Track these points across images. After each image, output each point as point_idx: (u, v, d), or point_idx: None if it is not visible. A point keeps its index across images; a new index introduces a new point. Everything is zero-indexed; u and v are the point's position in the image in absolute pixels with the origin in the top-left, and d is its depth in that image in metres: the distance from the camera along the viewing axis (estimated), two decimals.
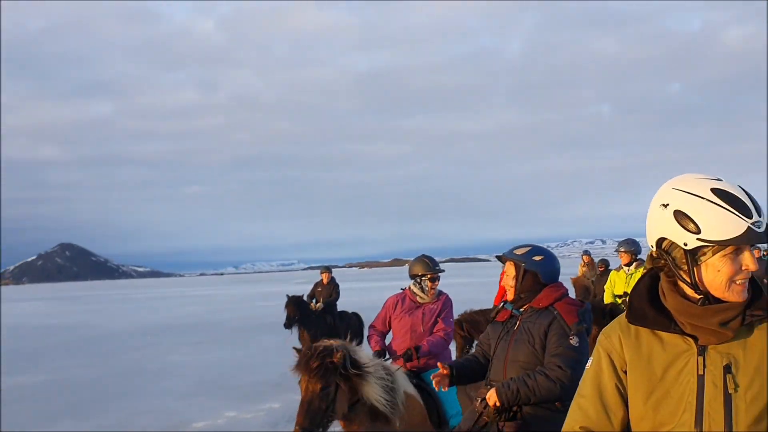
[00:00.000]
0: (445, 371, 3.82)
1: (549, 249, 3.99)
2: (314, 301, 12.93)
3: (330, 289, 13.06)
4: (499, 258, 3.97)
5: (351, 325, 12.92)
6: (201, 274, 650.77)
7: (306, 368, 4.13)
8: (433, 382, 3.84)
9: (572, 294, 15.08)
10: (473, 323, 9.00)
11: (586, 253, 16.71)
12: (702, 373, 1.86)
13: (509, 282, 3.82)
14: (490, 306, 13.25)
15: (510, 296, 3.84)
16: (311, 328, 12.27)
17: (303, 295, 12.96)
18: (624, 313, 2.05)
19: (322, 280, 13.28)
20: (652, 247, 1.98)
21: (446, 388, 3.91)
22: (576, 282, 15.11)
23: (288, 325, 12.46)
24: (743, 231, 1.81)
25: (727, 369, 1.84)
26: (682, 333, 1.90)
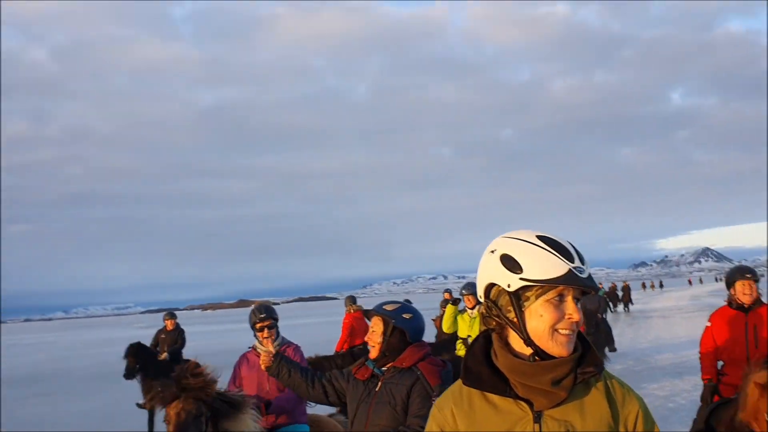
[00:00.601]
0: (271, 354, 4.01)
1: (415, 307, 3.90)
2: (158, 349, 11.82)
3: (175, 336, 12.00)
4: (366, 312, 3.83)
5: None
6: (26, 320, 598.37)
7: (180, 386, 3.85)
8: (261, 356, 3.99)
9: (433, 335, 15.20)
10: (319, 370, 8.94)
11: (447, 291, 16.19)
12: None
13: (375, 338, 3.67)
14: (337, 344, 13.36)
15: (374, 353, 3.68)
16: (155, 379, 10.87)
17: (139, 342, 11.57)
18: (456, 382, 1.98)
19: (165, 326, 12.16)
20: (481, 298, 1.93)
21: (263, 367, 4.07)
22: (439, 323, 14.74)
23: (128, 375, 11.18)
24: (564, 272, 1.80)
25: None
26: (516, 397, 1.83)
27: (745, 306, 5.56)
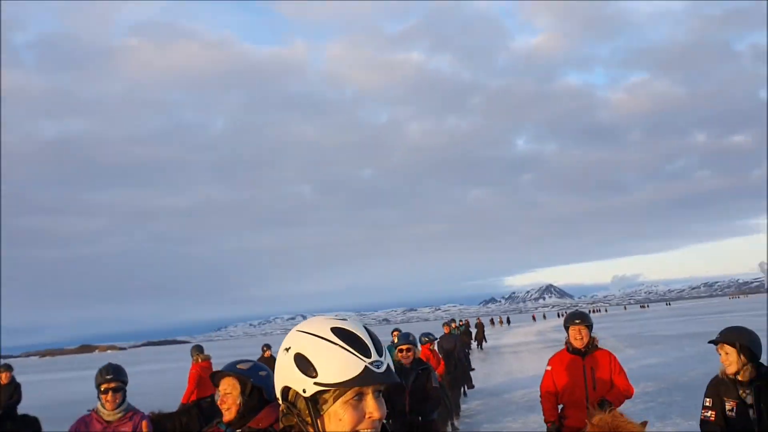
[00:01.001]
0: None
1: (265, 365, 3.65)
2: None
3: (10, 391, 11.21)
4: (213, 375, 3.54)
5: (32, 429, 10.88)
6: None
7: None
8: None
9: None
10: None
11: (397, 329, 15.49)
12: None
13: (231, 400, 3.41)
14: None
15: (230, 416, 3.41)
16: None
17: None
18: None
19: (0, 379, 11.29)
20: (279, 400, 1.83)
21: None
22: None
23: None
24: (360, 371, 1.69)
25: None
26: None
27: (580, 350, 5.86)
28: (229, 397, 3.41)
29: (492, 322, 79.21)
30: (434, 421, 6.99)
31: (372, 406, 1.71)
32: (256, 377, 3.43)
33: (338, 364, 1.69)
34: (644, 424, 3.19)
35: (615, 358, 5.96)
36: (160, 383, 35.44)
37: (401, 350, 7.07)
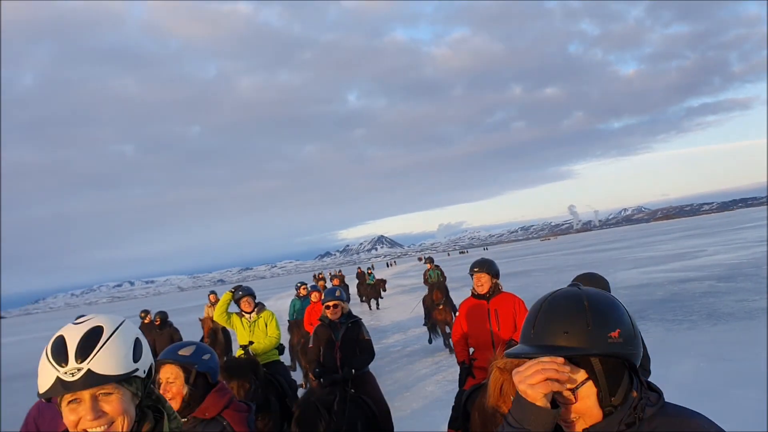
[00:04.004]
0: None
1: (204, 343, 3.41)
2: None
3: None
4: (158, 363, 3.19)
5: None
6: None
7: None
8: None
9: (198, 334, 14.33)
10: None
11: (212, 292, 15.37)
12: None
13: (175, 389, 3.18)
14: None
15: (175, 406, 3.15)
16: None
17: None
18: None
19: None
20: None
21: None
22: (204, 322, 13.97)
23: None
24: (52, 383, 1.75)
25: None
26: None
27: (484, 295, 6.14)
28: (172, 386, 3.18)
29: (315, 278, 78.88)
30: (368, 372, 6.87)
31: (85, 409, 1.76)
32: (200, 363, 3.23)
33: (41, 375, 1.77)
34: None
35: (519, 300, 6.14)
36: None
37: (328, 306, 6.97)
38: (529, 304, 4.85)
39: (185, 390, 3.17)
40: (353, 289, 34.29)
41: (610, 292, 5.05)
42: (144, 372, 1.88)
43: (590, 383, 1.70)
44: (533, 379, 1.64)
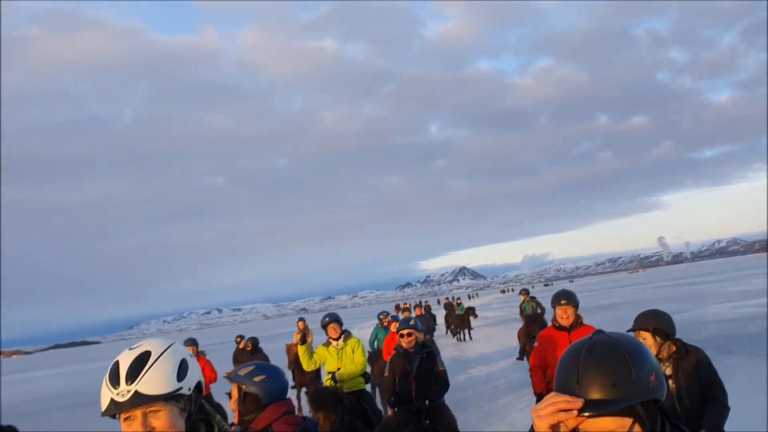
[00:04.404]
0: None
1: (274, 366, 3.86)
2: None
3: None
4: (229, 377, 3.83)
5: None
6: None
7: None
8: None
9: (283, 360, 14.81)
10: None
11: (301, 319, 15.53)
12: None
13: (233, 405, 3.70)
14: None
15: (236, 419, 3.69)
16: None
17: None
18: None
19: None
20: None
21: None
22: (290, 349, 14.29)
23: None
24: (107, 403, 2.07)
25: None
26: None
27: (567, 327, 6.17)
28: (232, 401, 3.68)
29: (397, 308, 77.23)
30: (443, 404, 6.88)
31: (135, 427, 2.07)
32: (249, 383, 3.63)
33: (101, 397, 2.10)
34: None
35: None
36: (69, 386, 34.65)
37: (402, 335, 7.05)
38: None
39: (236, 407, 3.63)
40: (440, 320, 33.43)
41: (674, 329, 4.85)
42: (189, 389, 2.15)
43: (637, 426, 1.79)
44: (543, 411, 1.75)
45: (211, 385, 10.39)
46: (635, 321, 4.82)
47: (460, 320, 28.35)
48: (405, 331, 7.05)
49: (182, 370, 2.14)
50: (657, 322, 4.72)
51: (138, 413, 2.06)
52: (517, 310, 19.37)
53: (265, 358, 12.84)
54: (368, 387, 8.51)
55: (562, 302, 6.20)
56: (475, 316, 29.33)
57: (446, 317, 31.31)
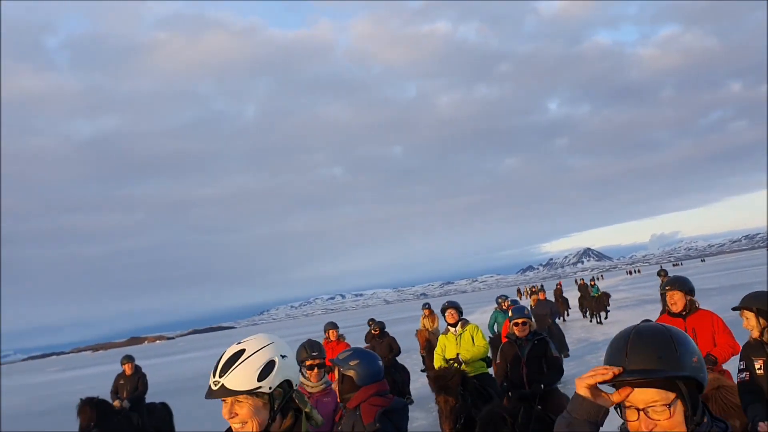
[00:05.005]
0: None
1: (368, 351, 4.25)
2: (118, 397, 11.06)
3: (135, 381, 11.20)
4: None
5: (161, 419, 11.29)
6: None
7: None
8: None
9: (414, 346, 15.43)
10: None
11: (427, 305, 15.52)
12: None
13: (335, 386, 4.23)
14: None
15: (338, 399, 4.21)
16: None
17: (97, 396, 10.46)
18: None
19: (124, 371, 11.31)
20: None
21: None
22: (420, 333, 14.69)
23: None
24: (207, 389, 2.47)
25: None
26: None
27: (681, 313, 6.04)
28: (334, 382, 4.26)
29: (519, 292, 70.94)
30: (557, 390, 6.95)
31: (225, 410, 2.47)
32: (346, 367, 4.10)
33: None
34: None
35: (718, 318, 6.03)
36: (205, 368, 36.98)
37: (516, 324, 7.18)
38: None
39: (339, 386, 4.10)
40: (574, 302, 33.01)
41: None
42: (270, 388, 2.48)
43: (679, 402, 2.01)
44: (584, 376, 2.06)
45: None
46: (741, 300, 4.79)
47: (596, 302, 27.76)
48: (519, 320, 7.20)
49: (265, 371, 2.47)
50: (762, 303, 4.64)
51: (228, 399, 2.46)
52: (647, 292, 18.70)
53: (393, 341, 13.27)
54: (491, 371, 8.66)
55: (667, 288, 6.18)
56: (608, 303, 28.28)
57: (580, 299, 30.71)
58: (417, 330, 14.69)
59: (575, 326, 27.49)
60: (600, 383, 2.06)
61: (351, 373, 4.07)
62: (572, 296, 34.32)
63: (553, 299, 28.76)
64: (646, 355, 2.02)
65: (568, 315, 31.92)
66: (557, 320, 19.89)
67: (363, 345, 15.16)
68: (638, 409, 2.03)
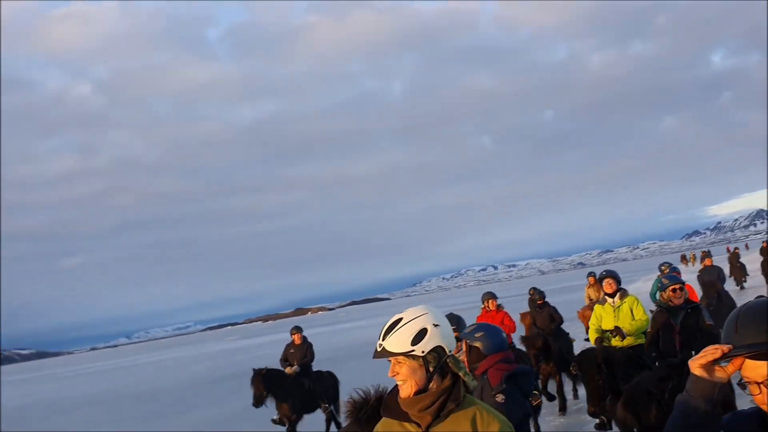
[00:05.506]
0: None
1: (491, 325, 4.79)
2: (288, 364, 12.06)
3: (304, 350, 12.22)
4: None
5: (328, 386, 12.29)
6: (92, 349, 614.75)
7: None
8: None
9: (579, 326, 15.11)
10: None
11: (591, 274, 15.03)
12: None
13: (463, 357, 4.57)
14: None
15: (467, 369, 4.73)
16: (287, 398, 11.44)
17: (266, 367, 11.78)
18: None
19: (293, 341, 12.34)
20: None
21: None
22: (583, 314, 14.36)
23: (258, 403, 11.32)
24: (373, 350, 2.93)
25: None
26: (411, 420, 2.87)
27: None
28: (462, 354, 4.63)
29: (684, 258, 64.30)
30: None
31: (390, 369, 2.92)
32: (470, 338, 4.63)
33: None
34: None
35: None
36: (366, 338, 38.68)
37: (674, 290, 7.12)
38: None
39: (464, 358, 4.54)
40: (751, 266, 30.00)
41: None
42: (423, 352, 2.85)
43: None
44: (696, 357, 2.15)
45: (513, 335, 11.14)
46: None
47: None
48: (676, 286, 7.12)
49: (418, 337, 2.87)
50: None
51: (393, 360, 2.90)
52: None
53: (554, 311, 13.10)
54: None
55: None
56: None
57: (763, 264, 27.25)
58: (578, 311, 14.38)
59: (754, 295, 25.53)
60: (712, 362, 2.13)
61: (477, 344, 4.55)
62: (748, 261, 31.60)
63: (725, 266, 26.00)
64: (754, 330, 2.07)
65: (745, 282, 29.34)
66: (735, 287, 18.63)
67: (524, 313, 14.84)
68: (758, 383, 2.09)
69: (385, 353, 2.89)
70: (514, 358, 4.61)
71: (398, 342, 2.88)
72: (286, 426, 11.52)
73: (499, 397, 4.23)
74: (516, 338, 11.62)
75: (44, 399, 33.46)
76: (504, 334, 4.68)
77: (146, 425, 17.35)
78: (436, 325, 2.92)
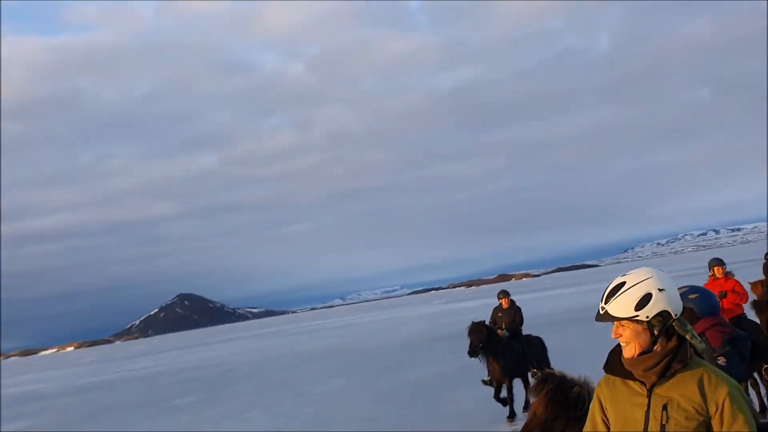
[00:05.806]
0: None
1: (704, 288, 4.78)
2: (497, 327, 12.17)
3: (512, 314, 12.28)
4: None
5: (538, 351, 12.19)
6: (312, 309, 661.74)
7: (537, 390, 3.98)
8: None
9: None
10: None
11: None
12: (647, 409, 2.81)
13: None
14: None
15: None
16: (499, 358, 11.49)
17: (483, 320, 12.08)
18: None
19: (501, 304, 12.44)
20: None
21: None
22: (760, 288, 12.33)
23: (473, 353, 11.54)
24: (596, 313, 2.94)
25: (665, 407, 2.77)
26: (636, 379, 2.85)
27: None
28: None
29: None
30: None
31: (613, 331, 2.93)
32: (685, 301, 4.37)
33: None
34: None
35: None
36: (573, 304, 38.90)
37: None
38: None
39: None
40: None
41: None
42: (647, 317, 2.82)
43: None
44: None
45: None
46: None
47: None
48: None
49: (642, 302, 2.83)
50: None
51: (616, 322, 2.89)
52: None
53: None
54: None
55: None
56: None
57: None
58: (752, 282, 12.34)
59: None
60: None
61: (691, 305, 4.55)
62: None
63: None
64: None
65: None
66: None
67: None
68: None
69: (607, 317, 2.88)
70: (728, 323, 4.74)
71: (622, 306, 2.84)
72: (494, 387, 11.62)
73: (721, 360, 4.30)
74: (747, 308, 10.47)
75: (291, 352, 37.18)
76: (717, 300, 4.77)
77: (381, 379, 19.08)
78: (661, 290, 2.85)
